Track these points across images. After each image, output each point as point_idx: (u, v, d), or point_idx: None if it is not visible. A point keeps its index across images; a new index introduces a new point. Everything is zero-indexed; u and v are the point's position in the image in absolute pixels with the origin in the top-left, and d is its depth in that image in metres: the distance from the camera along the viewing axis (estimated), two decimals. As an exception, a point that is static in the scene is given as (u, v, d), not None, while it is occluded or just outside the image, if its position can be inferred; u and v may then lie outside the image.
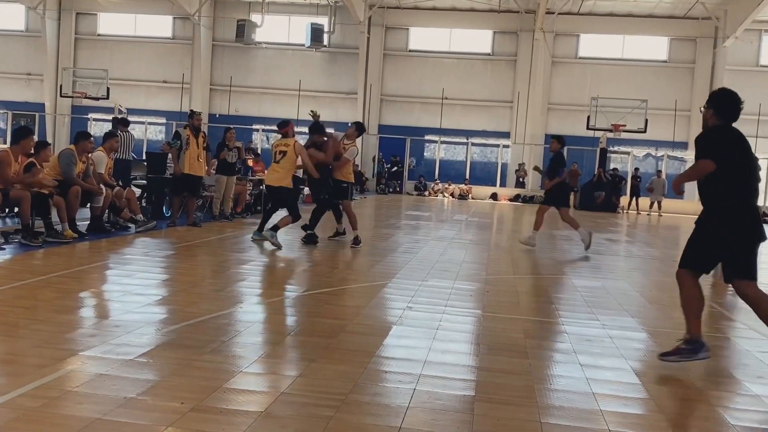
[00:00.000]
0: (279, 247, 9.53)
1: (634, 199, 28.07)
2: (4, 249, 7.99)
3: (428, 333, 5.34)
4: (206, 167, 12.10)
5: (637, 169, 29.56)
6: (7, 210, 9.87)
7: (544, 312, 6.64)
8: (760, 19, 29.33)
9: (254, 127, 33.26)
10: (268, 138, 33.55)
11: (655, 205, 27.45)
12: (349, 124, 11.61)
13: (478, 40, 32.39)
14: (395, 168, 32.16)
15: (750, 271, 4.61)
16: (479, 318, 6.09)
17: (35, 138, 9.52)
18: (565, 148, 12.80)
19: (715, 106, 4.80)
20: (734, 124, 4.78)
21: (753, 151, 4.88)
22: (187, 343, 4.62)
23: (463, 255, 10.47)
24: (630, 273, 9.89)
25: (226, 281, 7.35)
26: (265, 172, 10.12)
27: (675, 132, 30.36)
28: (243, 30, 29.97)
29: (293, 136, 10.39)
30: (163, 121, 33.68)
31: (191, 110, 15.30)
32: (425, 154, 33.58)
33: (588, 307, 6.80)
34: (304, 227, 10.47)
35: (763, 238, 4.62)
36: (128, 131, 15.47)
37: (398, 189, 31.97)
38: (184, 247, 9.52)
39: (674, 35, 31.14)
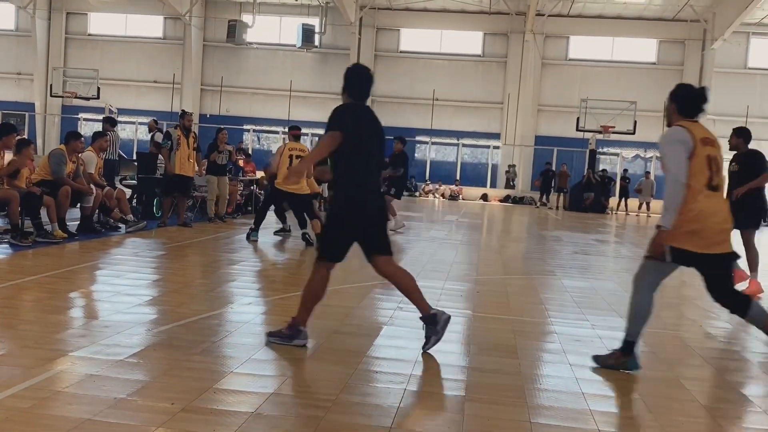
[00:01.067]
0: None
1: (622, 200, 28.22)
2: (-8, 249, 7.97)
3: (419, 333, 5.33)
4: (197, 168, 12.07)
5: (626, 171, 29.70)
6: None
7: (534, 312, 6.66)
8: (748, 22, 29.51)
9: (245, 127, 33.19)
10: (258, 138, 33.48)
11: (644, 206, 27.60)
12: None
13: (469, 41, 32.44)
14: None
15: (387, 247, 4.79)
16: (469, 318, 6.12)
17: (22, 136, 9.51)
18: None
19: (347, 86, 4.78)
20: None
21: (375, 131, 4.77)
22: (177, 343, 4.62)
23: (454, 255, 10.49)
24: (619, 273, 9.93)
25: (216, 282, 7.34)
26: (278, 178, 10.22)
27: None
28: (234, 30, 29.90)
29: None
30: (154, 121, 33.52)
31: (182, 110, 15.26)
32: (416, 155, 33.61)
33: (577, 308, 6.83)
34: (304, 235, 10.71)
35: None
36: (114, 131, 15.40)
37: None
38: (175, 247, 9.50)
39: (663, 37, 31.29)
